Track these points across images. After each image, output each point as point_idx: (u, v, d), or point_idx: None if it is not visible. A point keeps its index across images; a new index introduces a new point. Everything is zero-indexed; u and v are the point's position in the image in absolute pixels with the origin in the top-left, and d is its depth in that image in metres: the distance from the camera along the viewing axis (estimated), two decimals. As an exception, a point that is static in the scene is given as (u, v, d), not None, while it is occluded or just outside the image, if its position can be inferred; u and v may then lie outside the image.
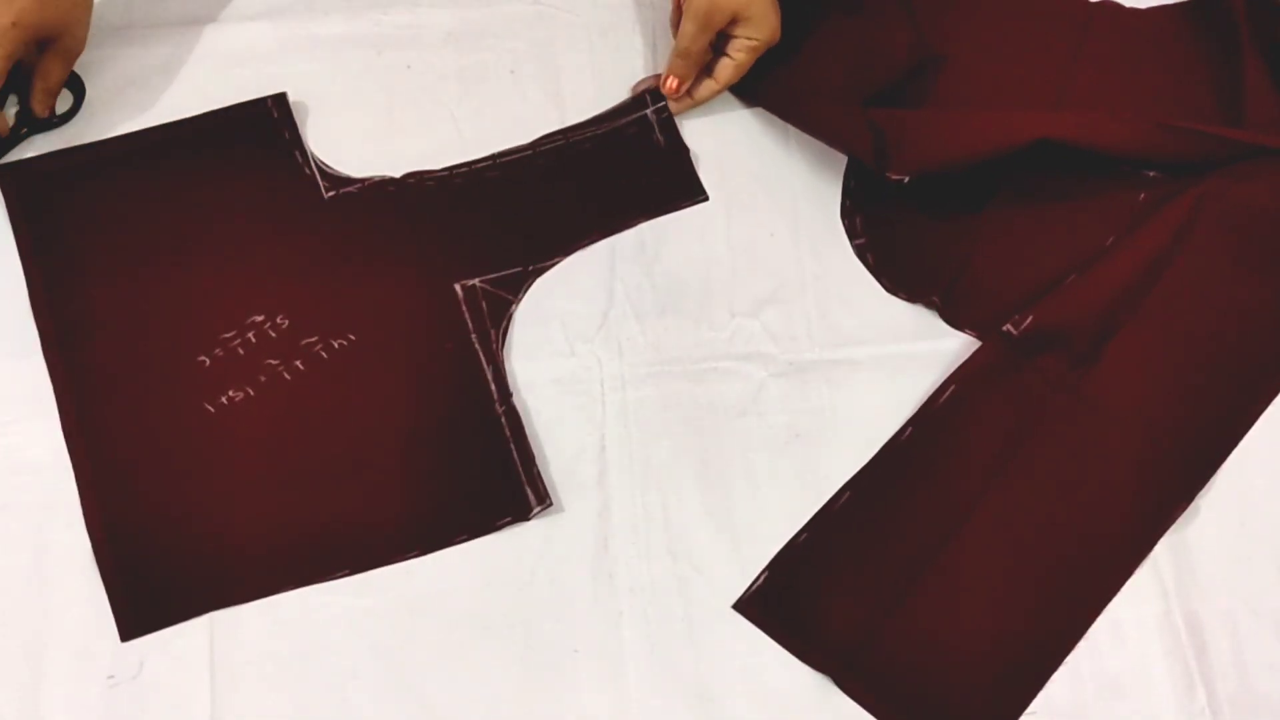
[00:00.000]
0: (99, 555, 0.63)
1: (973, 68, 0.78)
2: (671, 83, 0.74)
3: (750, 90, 0.76)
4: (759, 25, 0.72)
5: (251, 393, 0.67)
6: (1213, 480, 0.66)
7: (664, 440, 0.67)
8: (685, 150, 0.75)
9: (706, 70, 0.75)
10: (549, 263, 0.71)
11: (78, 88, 0.74)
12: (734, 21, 0.72)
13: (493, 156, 0.74)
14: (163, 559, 0.63)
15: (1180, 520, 0.65)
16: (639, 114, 0.75)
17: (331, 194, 0.73)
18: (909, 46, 0.76)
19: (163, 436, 0.66)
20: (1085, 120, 0.71)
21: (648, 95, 0.76)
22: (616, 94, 0.76)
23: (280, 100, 0.75)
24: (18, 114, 0.73)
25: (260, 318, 0.69)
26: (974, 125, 0.71)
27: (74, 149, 0.73)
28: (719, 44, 0.74)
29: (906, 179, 0.70)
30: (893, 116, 0.72)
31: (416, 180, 0.73)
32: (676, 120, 0.75)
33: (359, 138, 0.74)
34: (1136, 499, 0.65)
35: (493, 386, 0.68)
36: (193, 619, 0.62)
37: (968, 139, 0.70)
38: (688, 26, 0.72)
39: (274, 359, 0.68)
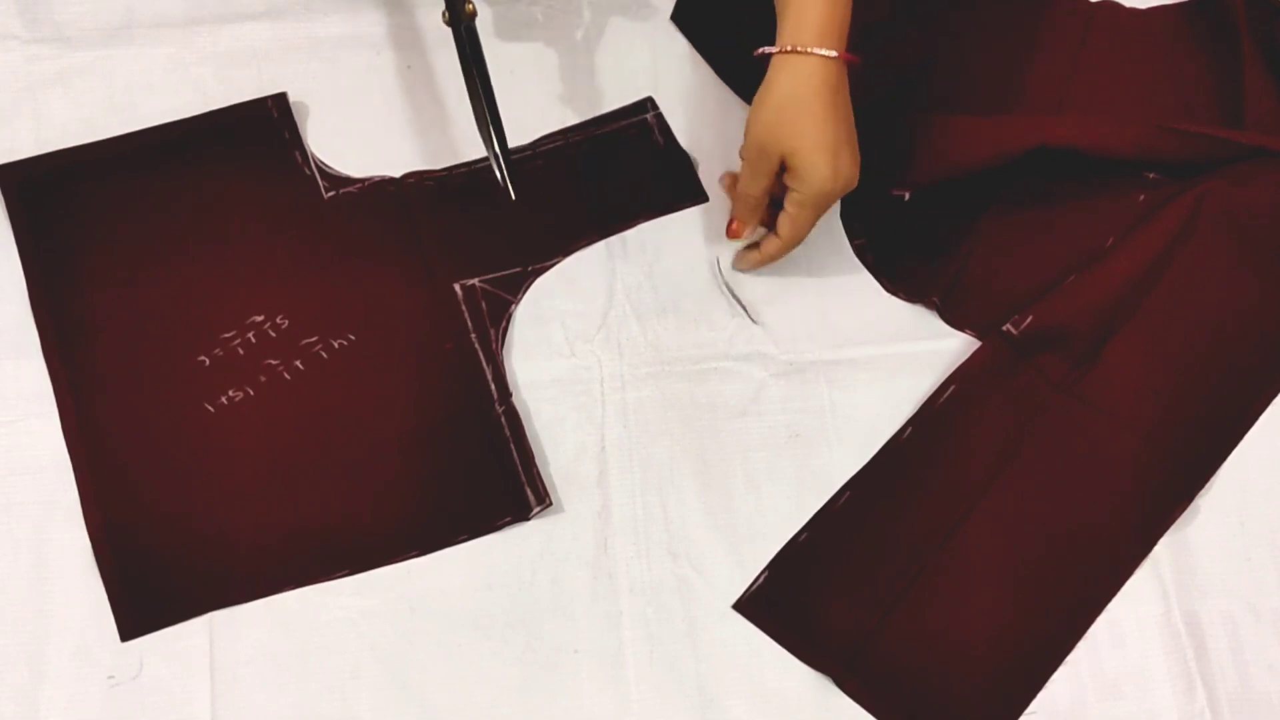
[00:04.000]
0: (99, 555, 0.63)
1: (974, 68, 0.78)
2: (734, 225, 0.69)
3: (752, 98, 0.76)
4: (805, 178, 0.63)
5: (251, 393, 0.67)
6: (1213, 480, 0.66)
7: (664, 440, 0.67)
8: (684, 152, 0.75)
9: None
10: (549, 263, 0.71)
11: None
12: (786, 169, 0.64)
13: (492, 156, 0.74)
14: (163, 559, 0.63)
15: (1180, 520, 0.65)
16: (639, 117, 0.76)
17: (331, 194, 0.73)
18: (911, 47, 0.76)
19: (163, 436, 0.66)
20: (1085, 125, 0.71)
21: (648, 101, 0.76)
22: (616, 94, 0.76)
23: (280, 100, 0.75)
24: None
25: (260, 318, 0.69)
26: (974, 135, 0.71)
27: (74, 149, 0.72)
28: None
29: (908, 195, 0.70)
30: (892, 130, 0.71)
31: (416, 180, 0.73)
32: (675, 120, 0.75)
33: (359, 138, 0.74)
34: (1136, 499, 0.65)
35: (492, 386, 0.68)
36: (193, 619, 0.62)
37: (968, 150, 0.70)
38: (744, 169, 0.67)
39: (274, 359, 0.68)
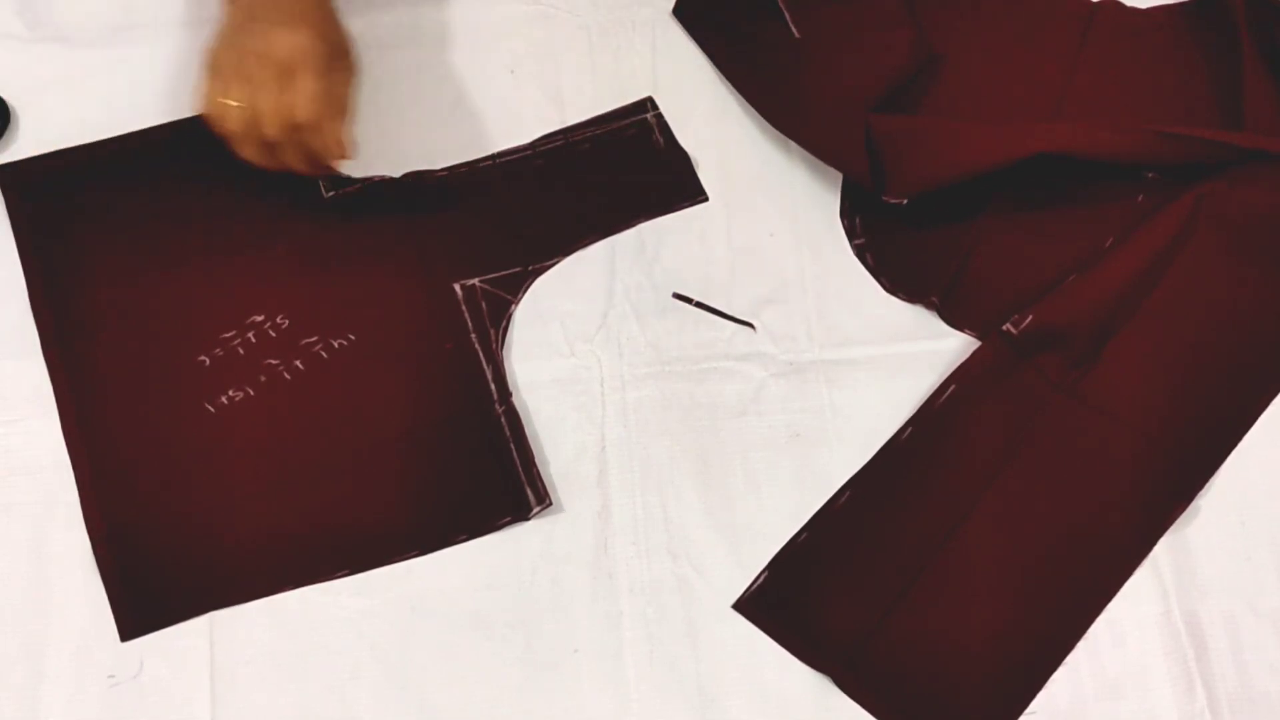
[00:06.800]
0: (99, 555, 0.63)
1: (974, 67, 0.78)
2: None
3: (752, 95, 0.76)
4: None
5: (251, 393, 0.67)
6: (1213, 480, 0.66)
7: (664, 440, 0.67)
8: (684, 151, 0.75)
9: None
10: (549, 263, 0.71)
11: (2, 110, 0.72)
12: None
13: (492, 156, 0.74)
14: (163, 559, 0.63)
15: (1180, 520, 0.65)
16: (639, 117, 0.76)
17: (331, 194, 0.73)
18: (910, 45, 0.75)
19: (163, 436, 0.66)
20: (1083, 131, 0.71)
21: (648, 101, 0.76)
22: (616, 94, 0.76)
23: (280, 100, 0.75)
24: None
25: (260, 318, 0.69)
26: (970, 142, 0.71)
27: (74, 149, 0.72)
28: None
29: (905, 201, 0.70)
30: (889, 135, 0.71)
31: (416, 180, 0.73)
32: (675, 120, 0.75)
33: (359, 138, 0.74)
34: (1136, 499, 0.65)
35: (492, 386, 0.68)
36: (193, 619, 0.62)
37: (963, 157, 0.70)
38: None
39: (274, 359, 0.68)
